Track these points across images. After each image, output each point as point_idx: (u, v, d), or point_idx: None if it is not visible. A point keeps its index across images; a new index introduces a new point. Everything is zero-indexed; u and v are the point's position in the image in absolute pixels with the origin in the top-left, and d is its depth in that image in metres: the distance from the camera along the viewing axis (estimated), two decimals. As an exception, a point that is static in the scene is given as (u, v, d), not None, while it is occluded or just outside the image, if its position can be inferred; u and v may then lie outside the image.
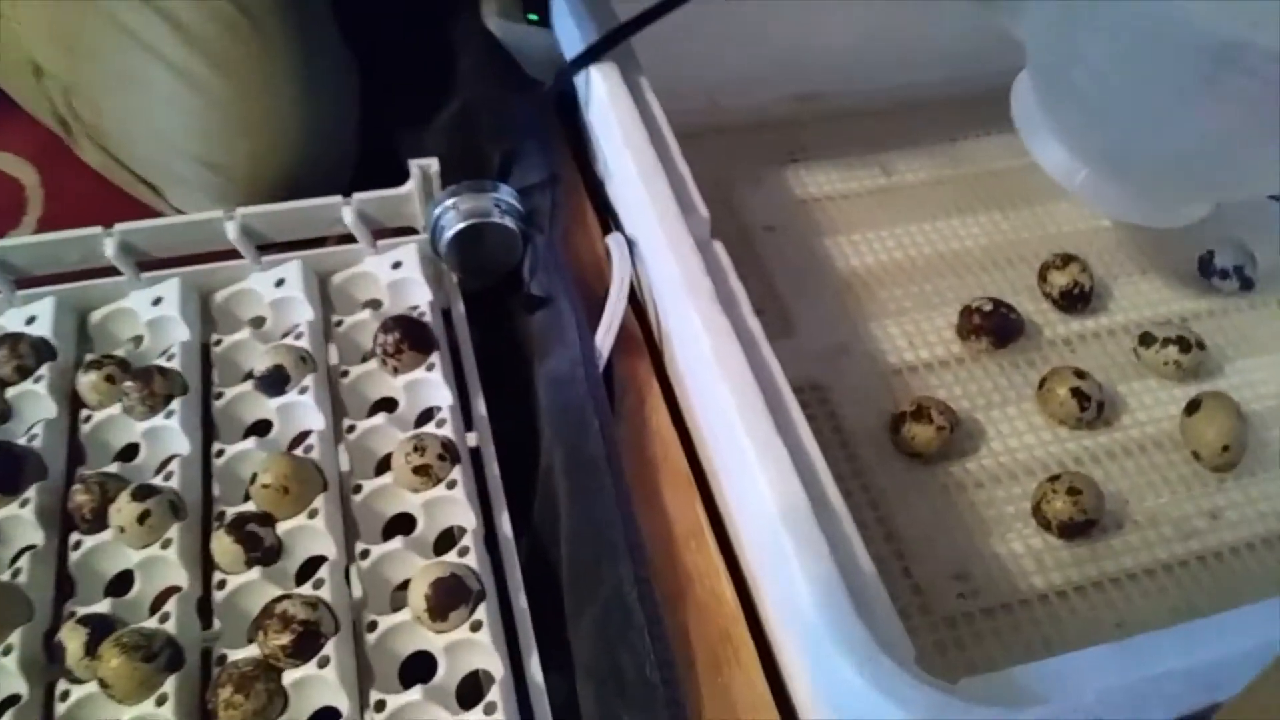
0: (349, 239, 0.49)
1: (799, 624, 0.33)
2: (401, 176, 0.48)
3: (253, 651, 0.37)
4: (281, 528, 0.40)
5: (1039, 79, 0.51)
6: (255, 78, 0.51)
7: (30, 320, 0.45)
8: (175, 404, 0.43)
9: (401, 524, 0.41)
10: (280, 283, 0.47)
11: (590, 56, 0.50)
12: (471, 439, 0.44)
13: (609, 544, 0.40)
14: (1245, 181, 0.52)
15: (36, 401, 0.43)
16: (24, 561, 0.38)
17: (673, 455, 0.44)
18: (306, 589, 0.38)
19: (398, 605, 0.39)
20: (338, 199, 0.48)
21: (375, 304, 0.48)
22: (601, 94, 0.48)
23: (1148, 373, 0.55)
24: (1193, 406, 0.51)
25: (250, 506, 0.40)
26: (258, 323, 0.48)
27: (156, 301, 0.46)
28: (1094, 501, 0.46)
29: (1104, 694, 0.30)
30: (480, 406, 0.46)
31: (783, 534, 0.33)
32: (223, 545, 0.39)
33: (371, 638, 0.38)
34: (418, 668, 0.38)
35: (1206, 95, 0.44)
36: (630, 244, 0.48)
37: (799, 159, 0.65)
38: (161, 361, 0.45)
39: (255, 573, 0.39)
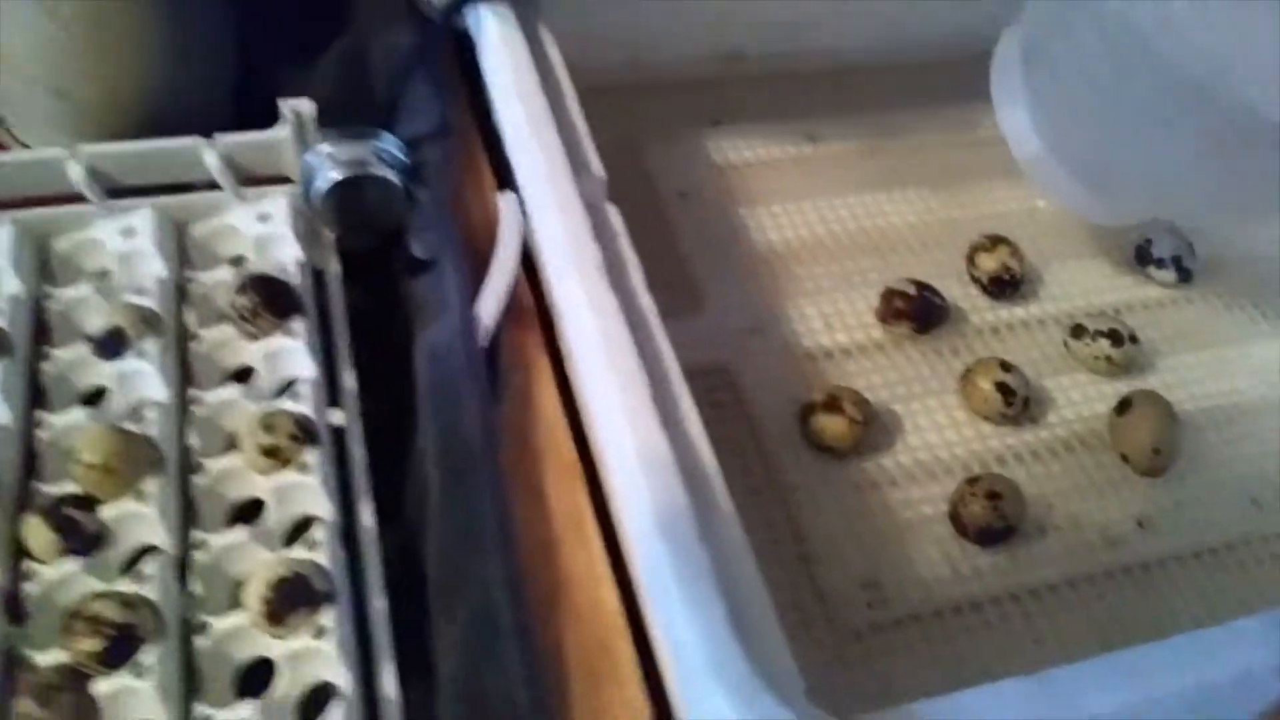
0: (215, 187, 0.43)
1: (673, 648, 0.28)
2: (286, 120, 0.43)
3: (61, 656, 0.32)
4: (106, 512, 0.35)
5: (1028, 38, 0.48)
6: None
7: None
8: (-5, 366, 0.38)
9: (253, 511, 0.37)
10: (128, 232, 0.42)
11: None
12: (337, 416, 0.40)
13: (479, 542, 0.36)
14: (1199, 214, 0.52)
15: None
16: None
17: (559, 442, 0.40)
18: (128, 584, 0.34)
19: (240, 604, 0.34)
20: (198, 139, 0.43)
21: (239, 260, 0.44)
22: (492, 34, 0.43)
23: (1078, 366, 0.52)
24: (1123, 405, 0.48)
25: (73, 487, 0.36)
26: (102, 276, 0.43)
27: (-16, 249, 0.41)
28: (1015, 507, 0.43)
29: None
30: (349, 380, 0.41)
31: (658, 544, 0.29)
32: (35, 531, 0.34)
33: (204, 642, 0.33)
34: (264, 676, 0.33)
35: (1182, 118, 0.43)
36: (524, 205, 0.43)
37: (720, 122, 0.61)
38: (-16, 318, 0.39)
39: (73, 563, 0.34)
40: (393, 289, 0.47)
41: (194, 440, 0.38)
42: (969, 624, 0.42)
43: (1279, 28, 0.37)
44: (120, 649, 0.32)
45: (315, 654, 0.33)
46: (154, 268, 0.42)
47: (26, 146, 0.48)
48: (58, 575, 0.34)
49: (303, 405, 0.39)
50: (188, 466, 0.37)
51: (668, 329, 0.49)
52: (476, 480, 0.37)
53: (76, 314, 0.41)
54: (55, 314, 0.41)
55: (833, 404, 0.45)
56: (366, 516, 0.37)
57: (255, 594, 0.33)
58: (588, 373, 0.35)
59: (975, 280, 0.54)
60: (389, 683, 0.34)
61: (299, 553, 0.35)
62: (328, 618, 0.34)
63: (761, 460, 0.46)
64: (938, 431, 0.48)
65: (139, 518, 0.35)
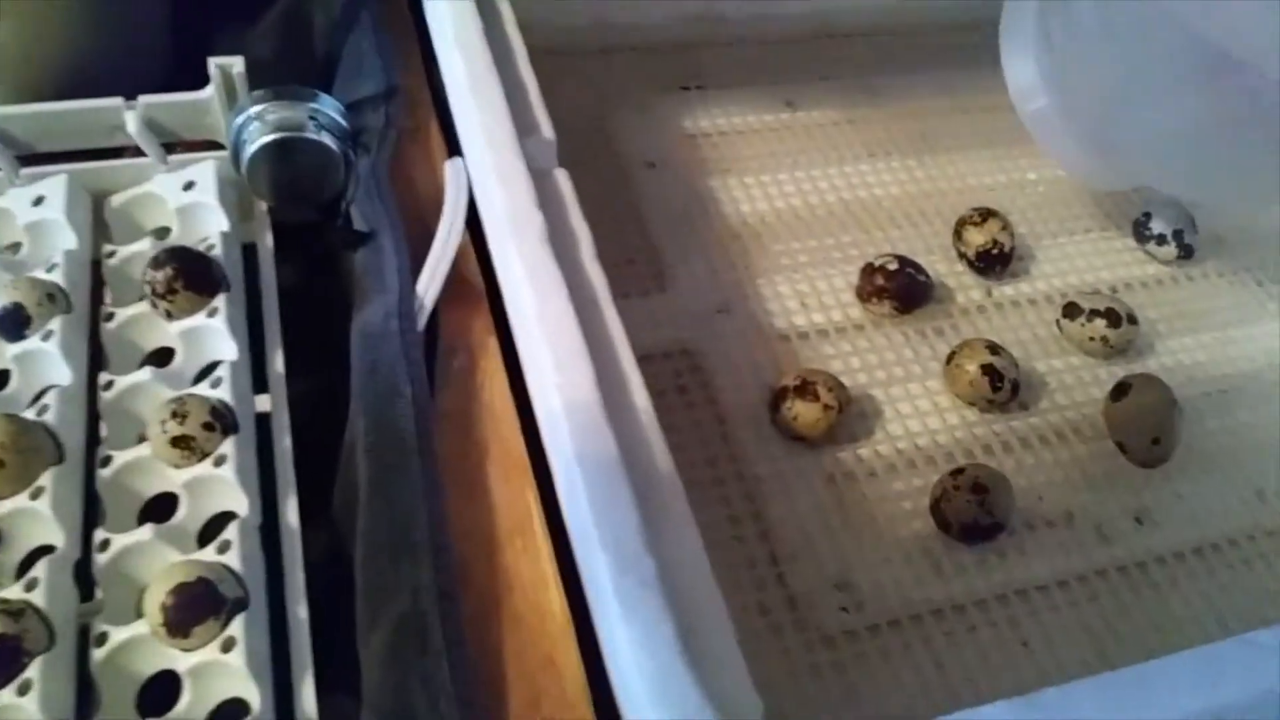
0: (141, 154, 0.41)
1: (614, 669, 0.25)
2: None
3: (-63, 672, 0.29)
4: (-2, 509, 0.32)
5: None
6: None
7: None
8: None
9: (169, 508, 0.34)
10: (39, 201, 0.39)
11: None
12: (262, 403, 0.37)
13: (410, 544, 0.33)
14: (1203, 189, 0.49)
15: None
16: None
17: (505, 433, 0.37)
18: (16, 590, 0.31)
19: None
20: (118, 101, 0.40)
21: (164, 232, 0.41)
22: (437, -15, 0.40)
23: (1071, 348, 0.48)
24: (1120, 390, 0.45)
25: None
26: (13, 249, 0.40)
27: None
28: (1002, 501, 0.40)
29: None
30: (277, 363, 0.38)
31: (597, 552, 0.25)
32: (-84, 531, 0.31)
33: (100, 654, 0.30)
34: (173, 692, 0.30)
35: (1201, 87, 0.40)
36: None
37: (693, 87, 0.57)
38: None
39: (-43, 568, 0.31)
40: (330, 264, 0.44)
41: (102, 429, 0.35)
42: (951, 628, 0.39)
43: None
44: (2, 663, 0.29)
45: (222, 668, 0.30)
46: (65, 240, 0.39)
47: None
48: (-58, 581, 0.31)
49: (223, 391, 0.36)
50: (93, 459, 0.34)
51: (630, 307, 0.46)
52: (408, 476, 0.34)
53: (-21, 291, 0.38)
54: (-45, 292, 0.38)
55: (805, 389, 0.41)
56: (290, 514, 0.35)
57: (154, 601, 0.30)
58: (526, 354, 0.31)
59: (962, 256, 0.50)
60: (307, 699, 0.31)
61: (209, 555, 0.32)
62: (237, 627, 0.30)
63: (728, 450, 0.42)
64: (920, 419, 0.45)
65: (33, 516, 0.32)
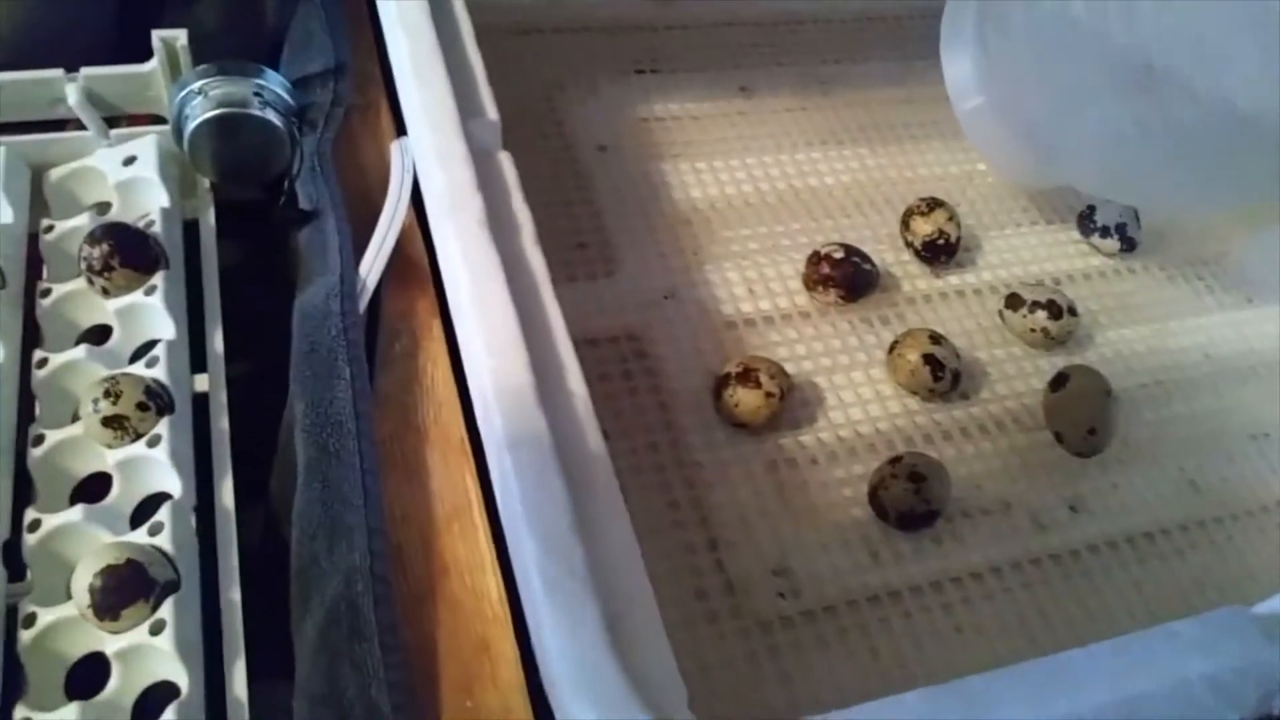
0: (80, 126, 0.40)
1: (541, 655, 0.25)
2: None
3: None
4: (-77, 491, 0.32)
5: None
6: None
7: None
8: None
9: (100, 488, 0.33)
10: None
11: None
12: (200, 383, 0.36)
13: (345, 528, 0.33)
14: (1130, 194, 0.50)
15: None
16: None
17: (446, 416, 0.36)
18: (-58, 572, 0.30)
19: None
20: (58, 73, 0.39)
21: (104, 207, 0.40)
22: (383, -39, 0.39)
23: (1013, 339, 0.49)
24: (1058, 381, 0.45)
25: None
26: None
27: None
28: (939, 489, 0.40)
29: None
30: (216, 343, 0.38)
31: (526, 538, 0.25)
32: None
33: (28, 635, 0.30)
34: (98, 674, 0.30)
35: (1125, 97, 0.41)
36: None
37: (646, 71, 0.57)
38: None
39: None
40: (274, 243, 0.43)
41: (36, 408, 0.35)
42: (886, 615, 0.39)
43: (1227, 20, 0.35)
44: (-74, 645, 0.29)
45: (151, 651, 0.30)
46: (2, 214, 0.38)
47: None
48: None
49: (159, 370, 0.35)
50: (25, 437, 0.34)
51: (578, 291, 0.46)
52: (345, 458, 0.34)
53: (-88, 267, 0.37)
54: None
55: (747, 376, 0.41)
56: (225, 496, 0.34)
57: (82, 583, 0.30)
58: (462, 338, 0.31)
59: (909, 245, 0.51)
60: (238, 683, 0.31)
61: (140, 537, 0.32)
62: (167, 610, 0.30)
63: (670, 436, 0.42)
64: (862, 407, 0.45)
65: (-40, 496, 0.32)
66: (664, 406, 0.43)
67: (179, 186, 0.41)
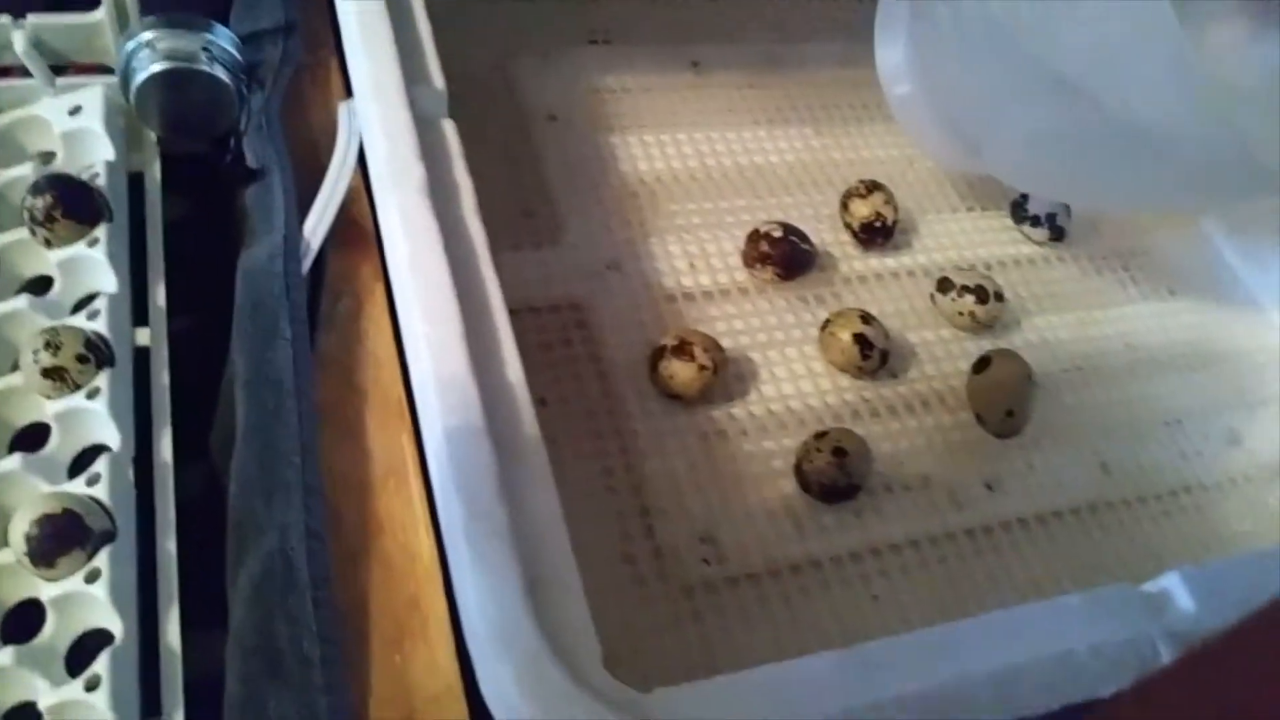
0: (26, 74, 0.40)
1: (463, 613, 0.26)
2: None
3: None
4: None
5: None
6: None
7: None
8: None
9: (39, 438, 0.34)
10: None
11: None
12: (142, 336, 0.37)
13: (282, 484, 0.33)
14: (1051, 190, 0.51)
15: None
16: None
17: (385, 378, 0.37)
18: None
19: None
20: (4, 19, 0.39)
21: (48, 157, 0.40)
22: (330, -76, 0.39)
23: (943, 321, 0.50)
24: (981, 364, 0.47)
25: None
26: None
27: None
28: (860, 464, 0.42)
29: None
30: (159, 297, 0.38)
31: (454, 501, 0.26)
32: None
33: (-37, 581, 0.31)
34: (34, 620, 0.31)
35: (1044, 99, 0.41)
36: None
37: (599, 41, 0.57)
38: None
39: None
40: (220, 199, 0.43)
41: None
42: (805, 583, 0.41)
43: (1129, 32, 0.36)
44: None
45: (86, 598, 0.31)
46: (-61, 163, 0.38)
47: None
48: None
49: (100, 323, 0.35)
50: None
51: (522, 259, 0.47)
52: (284, 417, 0.34)
53: None
54: None
55: (683, 349, 0.43)
56: (164, 450, 0.35)
57: (19, 531, 0.31)
58: (400, 304, 0.32)
59: (848, 226, 0.52)
60: (172, 632, 0.32)
61: (78, 487, 0.32)
62: (103, 559, 0.31)
63: (607, 405, 0.43)
64: (793, 382, 0.46)
65: (-105, 443, 0.32)
66: (602, 375, 0.44)
67: (125, 138, 0.41)
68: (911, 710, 0.26)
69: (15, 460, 0.32)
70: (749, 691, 0.26)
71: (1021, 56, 0.39)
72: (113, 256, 0.37)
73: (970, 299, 0.49)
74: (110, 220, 0.38)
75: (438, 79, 0.37)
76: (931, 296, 0.51)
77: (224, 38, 0.40)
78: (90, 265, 0.37)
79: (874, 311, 0.48)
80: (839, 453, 0.41)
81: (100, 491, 0.32)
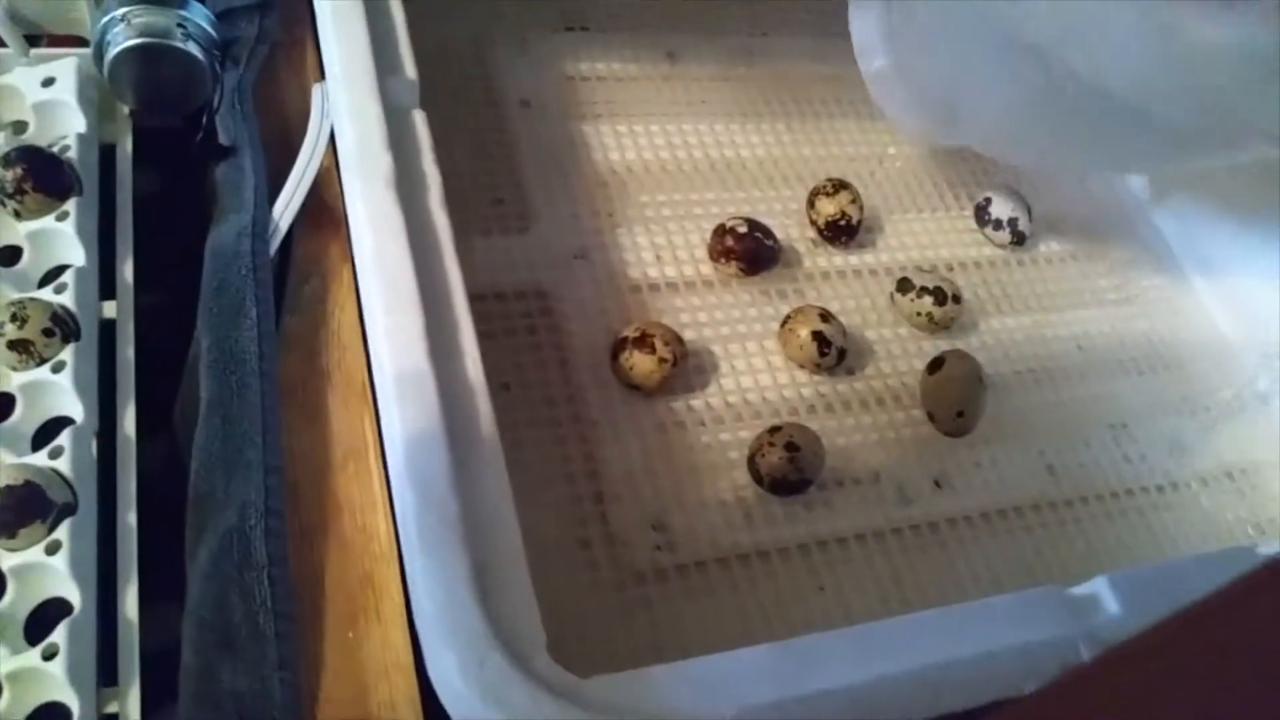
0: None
1: (413, 600, 0.27)
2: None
3: None
4: None
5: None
6: None
7: None
8: None
9: (3, 410, 0.34)
10: None
11: None
12: (109, 310, 0.37)
13: (243, 463, 0.34)
14: (1026, 157, 0.53)
15: None
16: None
17: (349, 361, 0.38)
18: None
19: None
20: None
21: (20, 126, 0.41)
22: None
23: (901, 321, 0.51)
24: (935, 364, 0.48)
25: None
26: None
27: None
28: (812, 460, 0.43)
29: (745, 712, 0.26)
30: (127, 272, 0.38)
31: (407, 489, 0.27)
32: None
33: (-74, 549, 0.31)
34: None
35: (1020, 74, 0.42)
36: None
37: (575, 28, 0.58)
38: None
39: None
40: (191, 175, 0.44)
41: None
42: (753, 573, 0.42)
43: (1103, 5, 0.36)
44: None
45: (46, 569, 0.31)
46: (-90, 130, 0.39)
47: None
48: None
49: (67, 297, 0.36)
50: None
51: (491, 246, 0.47)
52: (247, 395, 0.35)
53: None
54: None
55: (644, 341, 0.43)
56: (127, 424, 0.35)
57: (-19, 502, 0.31)
58: (363, 292, 0.33)
59: (813, 223, 0.53)
60: (130, 604, 0.32)
61: (41, 459, 0.33)
62: (63, 531, 0.32)
63: (568, 392, 0.44)
64: (752, 375, 0.47)
65: None
66: (565, 364, 0.45)
67: (98, 111, 0.41)
68: (840, 704, 0.27)
69: (-20, 431, 0.33)
70: (684, 681, 0.27)
71: (994, 25, 0.39)
72: (82, 231, 0.37)
73: (929, 300, 0.50)
74: (80, 194, 0.38)
75: (410, 69, 0.38)
76: (891, 296, 0.52)
77: (199, 14, 0.41)
78: (59, 239, 0.37)
79: (835, 308, 0.49)
80: (791, 448, 0.42)
81: (63, 464, 0.33)
